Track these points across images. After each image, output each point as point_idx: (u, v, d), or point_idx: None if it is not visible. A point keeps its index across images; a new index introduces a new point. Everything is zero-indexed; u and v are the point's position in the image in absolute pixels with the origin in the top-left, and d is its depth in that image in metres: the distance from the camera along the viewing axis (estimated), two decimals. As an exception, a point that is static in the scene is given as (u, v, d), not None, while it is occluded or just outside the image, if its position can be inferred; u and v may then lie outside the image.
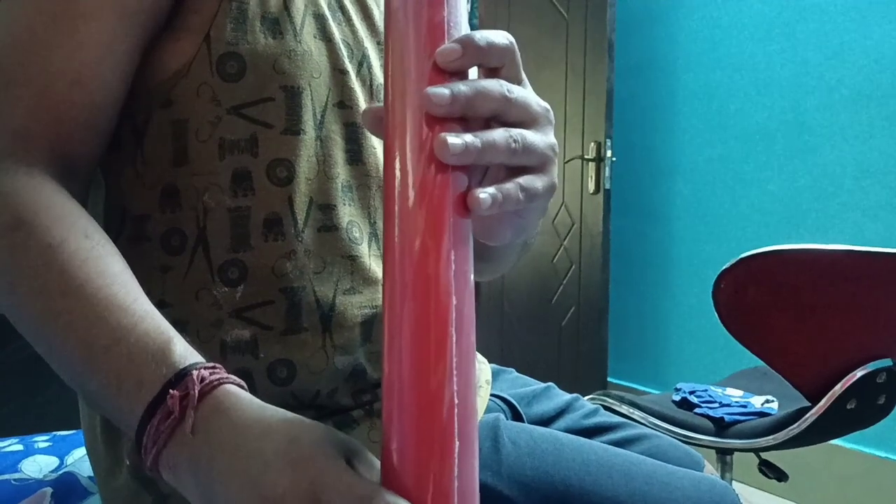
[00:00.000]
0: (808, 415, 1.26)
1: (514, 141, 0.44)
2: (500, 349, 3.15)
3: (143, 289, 0.64)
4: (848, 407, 1.27)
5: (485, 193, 0.42)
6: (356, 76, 0.71)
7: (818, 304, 1.24)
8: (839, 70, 2.23)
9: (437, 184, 0.41)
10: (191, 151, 0.64)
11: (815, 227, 2.29)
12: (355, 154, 0.70)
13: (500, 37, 0.45)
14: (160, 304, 0.64)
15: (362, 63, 0.72)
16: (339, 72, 0.69)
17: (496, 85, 0.44)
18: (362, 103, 0.71)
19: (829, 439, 1.35)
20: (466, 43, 0.43)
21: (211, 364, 0.50)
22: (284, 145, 0.65)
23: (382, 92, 0.71)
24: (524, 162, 0.46)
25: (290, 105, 0.65)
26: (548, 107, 0.48)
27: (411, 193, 0.41)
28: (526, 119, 0.46)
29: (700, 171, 2.65)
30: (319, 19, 0.68)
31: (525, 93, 0.47)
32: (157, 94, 0.64)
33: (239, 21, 0.63)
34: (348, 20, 0.71)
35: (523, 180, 0.45)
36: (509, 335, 3.11)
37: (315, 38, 0.67)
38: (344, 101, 0.69)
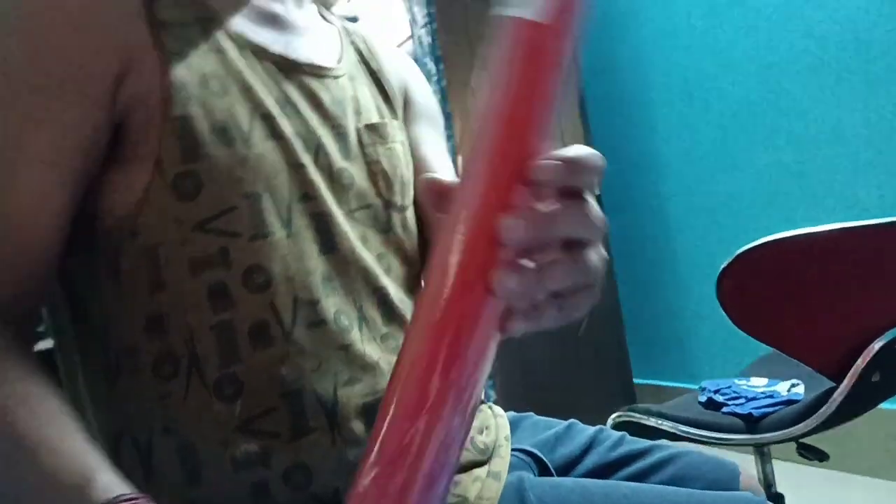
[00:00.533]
0: (834, 395, 1.25)
1: (576, 271, 0.44)
2: (522, 374, 3.13)
3: (145, 420, 0.64)
4: (873, 380, 1.26)
5: (519, 322, 0.43)
6: (314, 167, 0.70)
7: (823, 284, 1.24)
8: (805, 40, 2.24)
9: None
10: (165, 276, 0.64)
11: (806, 198, 2.28)
12: (328, 243, 0.70)
13: (597, 158, 0.44)
14: (166, 431, 0.64)
15: (318, 152, 0.71)
16: (296, 167, 0.69)
17: (580, 211, 0.43)
18: (325, 192, 0.71)
19: (861, 414, 1.33)
20: (568, 164, 0.41)
21: (133, 495, 0.49)
22: (256, 251, 0.65)
23: (343, 177, 0.73)
24: (577, 281, 0.45)
25: (253, 211, 0.65)
26: (603, 217, 0.47)
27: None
28: (593, 238, 0.45)
29: (685, 159, 2.65)
30: (267, 119, 0.67)
31: (598, 211, 0.45)
32: (123, 227, 0.64)
33: (186, 138, 0.63)
34: (297, 113, 0.71)
35: (565, 304, 0.45)
36: (528, 357, 3.09)
37: (266, 139, 0.67)
38: (308, 194, 0.69)
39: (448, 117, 3.45)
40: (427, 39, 3.64)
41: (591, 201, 0.43)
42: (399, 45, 6.08)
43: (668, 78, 2.69)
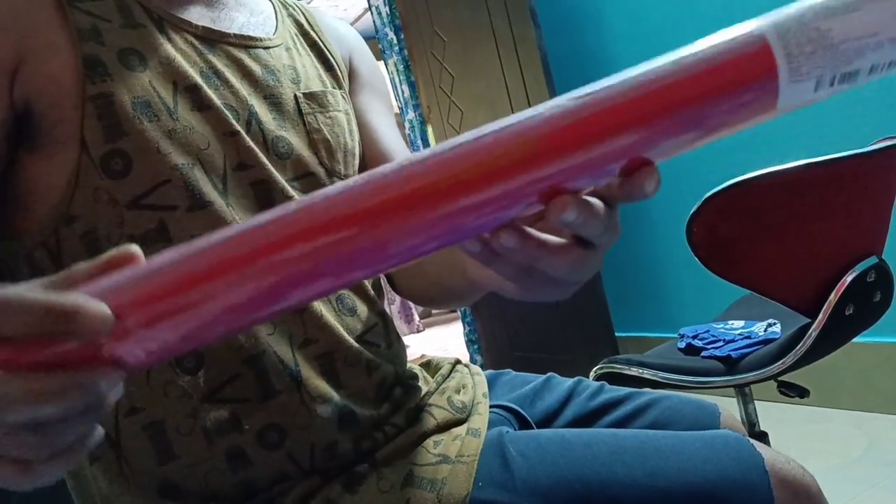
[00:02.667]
0: (810, 331, 1.26)
1: (576, 267, 0.41)
2: (505, 333, 3.15)
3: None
4: (847, 313, 1.27)
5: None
6: (248, 135, 0.69)
7: (792, 221, 1.24)
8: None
9: None
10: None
11: (777, 139, 2.29)
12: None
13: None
14: (132, 411, 0.64)
15: (251, 121, 0.71)
16: (229, 135, 0.68)
17: (609, 216, 0.40)
18: (263, 159, 0.70)
19: (837, 348, 1.35)
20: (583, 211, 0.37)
21: None
22: (194, 222, 0.64)
23: (279, 145, 0.71)
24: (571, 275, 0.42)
25: (187, 181, 0.64)
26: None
27: None
28: (606, 246, 0.43)
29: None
30: (193, 90, 0.66)
31: (618, 221, 0.42)
32: (59, 215, 0.63)
33: (107, 117, 0.61)
34: (226, 83, 0.70)
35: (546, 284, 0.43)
36: (510, 317, 3.11)
37: (192, 110, 0.66)
38: (244, 162, 0.68)
39: (412, 86, 3.42)
40: (385, 10, 3.59)
41: (617, 210, 0.41)
42: (358, 18, 6.01)
43: (629, 30, 2.67)
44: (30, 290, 0.32)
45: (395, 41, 3.48)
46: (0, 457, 0.33)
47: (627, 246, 2.91)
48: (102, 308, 0.32)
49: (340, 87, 0.84)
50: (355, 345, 0.73)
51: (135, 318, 0.33)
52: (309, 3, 5.40)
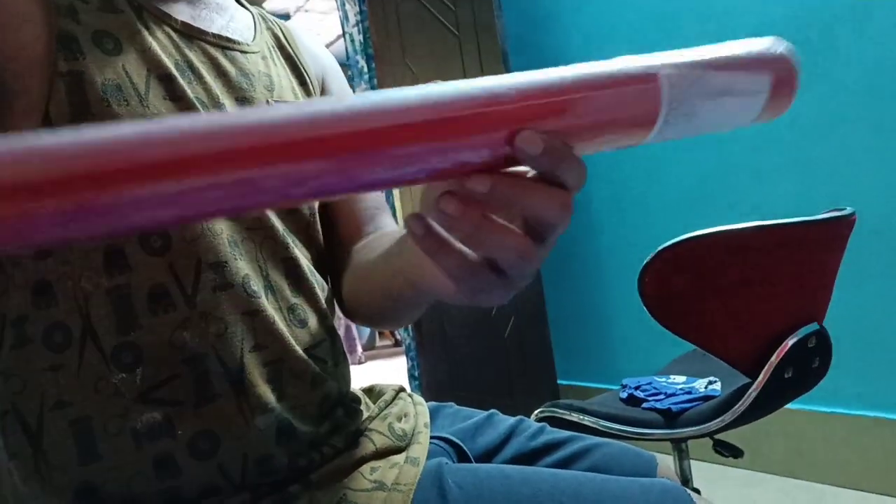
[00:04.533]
0: (749, 391, 1.28)
1: (518, 249, 0.40)
2: (448, 371, 3.13)
3: (33, 395, 0.61)
4: (786, 376, 1.29)
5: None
6: None
7: (739, 281, 1.27)
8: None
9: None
10: None
11: (728, 199, 2.35)
12: None
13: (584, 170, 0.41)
14: (59, 405, 0.61)
15: None
16: None
17: (558, 197, 0.40)
18: None
19: (775, 410, 1.37)
20: (561, 149, 0.38)
21: None
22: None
23: None
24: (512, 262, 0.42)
25: None
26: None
27: None
28: (554, 229, 0.42)
29: (610, 160, 2.70)
30: (166, 80, 0.66)
31: (571, 208, 0.41)
32: None
33: (76, 93, 0.60)
34: (199, 78, 0.69)
35: (488, 279, 0.42)
36: (454, 355, 3.09)
37: (164, 98, 0.65)
38: None
39: (379, 116, 3.42)
40: (359, 38, 3.61)
41: (571, 197, 0.40)
42: (331, 44, 6.04)
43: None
44: None
45: (365, 69, 3.49)
46: None
47: (575, 294, 2.94)
48: None
49: None
50: (303, 356, 0.71)
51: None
52: (287, 18, 5.41)
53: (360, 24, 3.62)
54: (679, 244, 1.22)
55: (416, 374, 3.40)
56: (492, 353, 2.89)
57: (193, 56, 0.70)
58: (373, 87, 3.43)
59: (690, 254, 1.23)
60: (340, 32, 5.52)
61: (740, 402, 1.28)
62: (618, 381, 1.68)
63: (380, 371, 5.37)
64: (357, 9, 3.64)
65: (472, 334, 2.99)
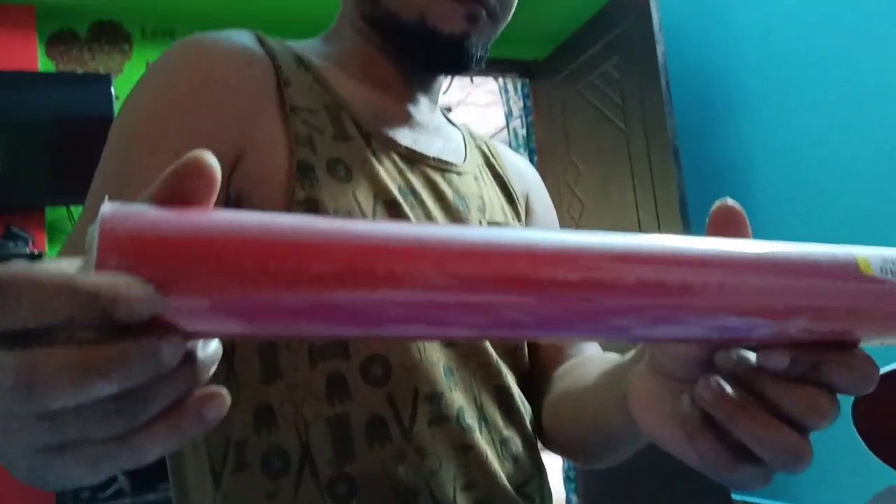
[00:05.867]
0: None
1: (781, 444, 0.36)
2: (607, 476, 2.98)
3: None
4: None
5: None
6: None
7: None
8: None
9: None
10: (282, 365, 0.61)
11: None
12: None
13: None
14: None
15: None
16: None
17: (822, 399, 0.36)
18: None
19: None
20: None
21: None
22: (375, 342, 0.62)
23: None
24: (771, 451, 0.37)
25: None
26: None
27: None
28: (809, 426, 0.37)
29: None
30: (391, 206, 0.66)
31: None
32: None
33: None
34: (420, 202, 0.69)
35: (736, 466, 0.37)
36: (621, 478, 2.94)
37: None
38: None
39: (541, 209, 3.43)
40: (522, 132, 3.66)
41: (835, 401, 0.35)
42: (494, 135, 6.19)
43: (775, 184, 2.60)
44: (52, 267, 0.26)
45: (528, 163, 3.53)
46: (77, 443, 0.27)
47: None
48: (144, 291, 0.25)
49: (520, 221, 0.83)
50: (514, 495, 0.67)
51: (198, 283, 0.26)
52: (449, 112, 5.61)
53: (524, 118, 3.68)
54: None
55: (573, 475, 3.26)
56: (658, 460, 2.72)
57: (415, 180, 0.70)
58: (536, 181, 3.45)
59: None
60: (501, 125, 5.64)
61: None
62: (799, 498, 1.52)
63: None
64: (521, 103, 3.71)
65: (639, 458, 2.84)
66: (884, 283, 0.35)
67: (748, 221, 0.37)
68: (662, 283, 0.31)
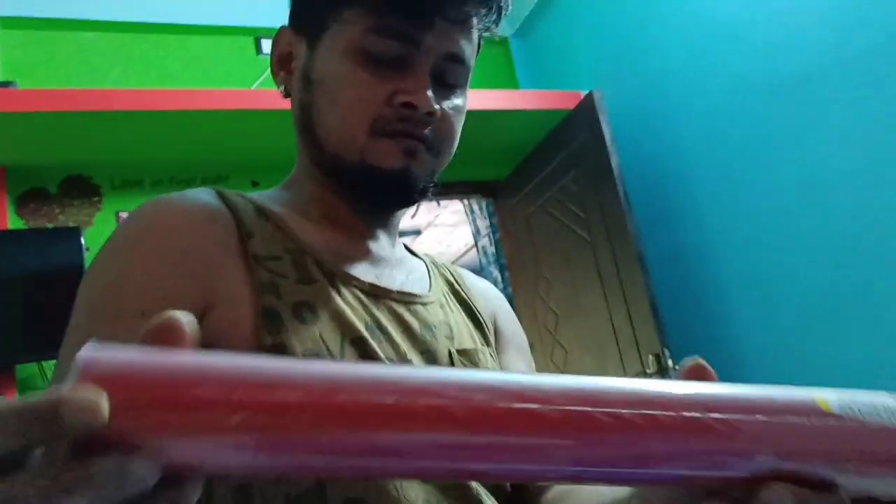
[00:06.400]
0: None
1: None
2: None
3: None
4: None
5: None
6: None
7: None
8: (887, 229, 2.20)
9: None
10: None
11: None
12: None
13: None
14: None
15: None
16: None
17: None
18: None
19: None
20: None
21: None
22: (354, 485, 0.61)
23: None
24: None
25: None
26: None
27: None
28: None
29: (772, 354, 2.55)
30: (359, 343, 0.66)
31: None
32: None
33: None
34: (388, 337, 0.70)
35: None
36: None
37: (358, 362, 0.66)
38: None
39: (516, 324, 3.44)
40: (491, 249, 3.73)
41: None
42: (461, 255, 6.27)
43: (740, 274, 2.65)
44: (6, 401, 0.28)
45: (499, 279, 3.57)
46: None
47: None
48: (90, 396, 0.27)
49: (488, 345, 0.84)
50: None
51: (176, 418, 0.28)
52: (414, 240, 5.71)
53: (491, 236, 3.76)
54: None
55: None
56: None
57: (381, 315, 0.71)
58: (508, 296, 3.48)
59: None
60: (470, 243, 5.73)
61: None
62: None
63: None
64: (488, 221, 3.80)
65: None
66: (844, 420, 0.36)
67: (716, 375, 0.39)
68: (631, 422, 0.33)
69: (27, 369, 2.63)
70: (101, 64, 3.09)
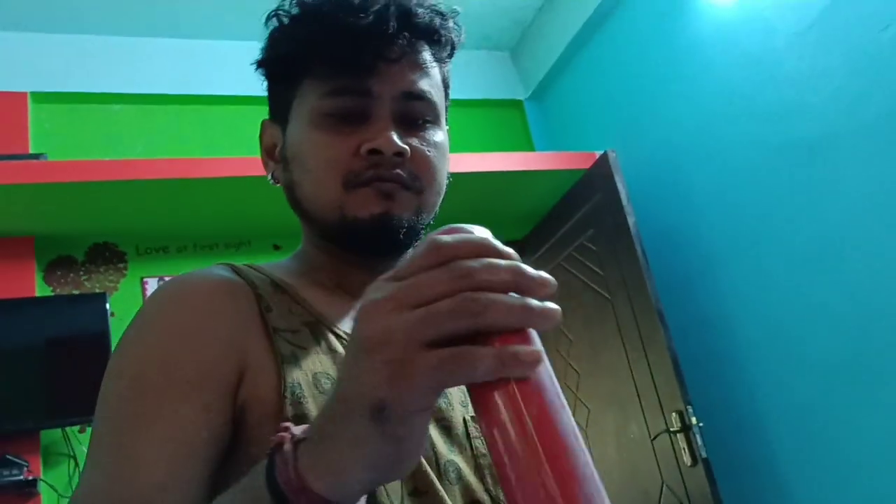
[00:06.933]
0: None
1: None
2: None
3: None
4: None
5: None
6: (423, 459, 0.68)
7: None
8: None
9: None
10: None
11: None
12: None
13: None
14: None
15: (426, 447, 0.70)
16: None
17: None
18: (436, 485, 0.68)
19: None
20: None
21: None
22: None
23: (450, 470, 0.71)
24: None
25: None
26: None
27: None
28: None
29: (794, 415, 2.50)
30: None
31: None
32: None
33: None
34: None
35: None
36: None
37: None
38: (417, 488, 0.67)
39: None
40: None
41: None
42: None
43: (759, 333, 2.62)
44: None
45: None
46: None
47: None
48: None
49: None
50: None
51: None
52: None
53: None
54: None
55: None
56: None
57: None
58: (529, 356, 3.46)
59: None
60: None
61: None
62: None
63: None
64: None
65: None
66: None
67: None
68: None
69: (51, 435, 2.64)
70: (126, 135, 3.18)
